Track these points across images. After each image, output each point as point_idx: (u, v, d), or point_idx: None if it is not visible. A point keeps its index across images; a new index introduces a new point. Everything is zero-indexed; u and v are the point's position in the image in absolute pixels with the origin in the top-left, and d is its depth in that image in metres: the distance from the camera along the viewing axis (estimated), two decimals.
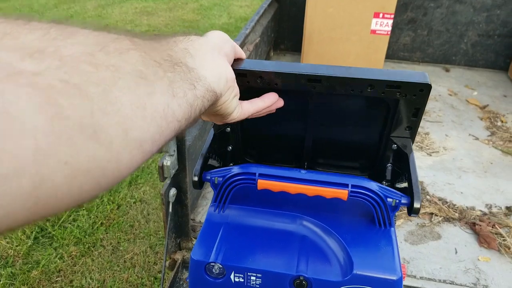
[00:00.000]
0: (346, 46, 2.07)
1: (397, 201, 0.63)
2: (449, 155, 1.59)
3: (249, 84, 0.59)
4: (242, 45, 1.57)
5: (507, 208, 1.31)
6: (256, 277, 0.61)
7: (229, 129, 0.71)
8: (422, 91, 0.56)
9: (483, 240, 1.17)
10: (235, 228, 0.67)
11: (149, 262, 1.85)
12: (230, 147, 0.75)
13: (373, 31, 2.00)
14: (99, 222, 2.03)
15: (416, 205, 0.60)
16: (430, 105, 1.98)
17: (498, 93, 2.15)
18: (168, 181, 0.97)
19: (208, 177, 0.66)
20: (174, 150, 0.94)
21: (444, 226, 1.23)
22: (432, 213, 1.27)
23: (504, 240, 1.17)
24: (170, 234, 1.05)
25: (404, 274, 0.61)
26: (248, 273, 0.61)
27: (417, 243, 1.17)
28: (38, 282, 1.72)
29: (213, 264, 0.61)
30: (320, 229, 0.66)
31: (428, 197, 1.35)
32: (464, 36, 2.35)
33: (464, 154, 1.60)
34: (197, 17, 4.86)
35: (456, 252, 1.14)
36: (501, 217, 1.26)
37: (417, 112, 0.61)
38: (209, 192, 1.31)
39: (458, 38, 2.36)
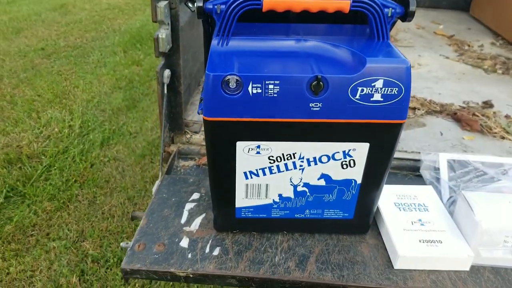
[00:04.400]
0: None
1: (393, 10, 0.64)
2: (424, 69, 1.62)
3: None
4: None
5: (484, 102, 1.34)
6: (274, 85, 0.59)
7: None
8: None
9: (465, 124, 1.19)
10: (244, 53, 0.65)
11: (128, 212, 1.78)
12: None
13: None
14: (73, 180, 1.94)
15: (412, 8, 0.63)
16: (399, 35, 2.02)
17: (463, 27, 2.21)
18: (162, 61, 0.94)
19: (210, 7, 0.63)
20: (169, 23, 0.91)
21: (427, 118, 1.24)
22: (415, 108, 1.28)
23: (485, 122, 1.19)
24: (165, 124, 1.01)
25: None
26: (266, 82, 0.59)
27: (404, 129, 1.17)
28: (12, 236, 1.62)
29: (230, 77, 0.59)
30: (327, 44, 0.66)
31: None
32: None
33: (438, 68, 1.63)
34: None
35: (441, 134, 1.15)
36: (479, 109, 1.29)
37: None
38: (198, 100, 1.27)
39: None
